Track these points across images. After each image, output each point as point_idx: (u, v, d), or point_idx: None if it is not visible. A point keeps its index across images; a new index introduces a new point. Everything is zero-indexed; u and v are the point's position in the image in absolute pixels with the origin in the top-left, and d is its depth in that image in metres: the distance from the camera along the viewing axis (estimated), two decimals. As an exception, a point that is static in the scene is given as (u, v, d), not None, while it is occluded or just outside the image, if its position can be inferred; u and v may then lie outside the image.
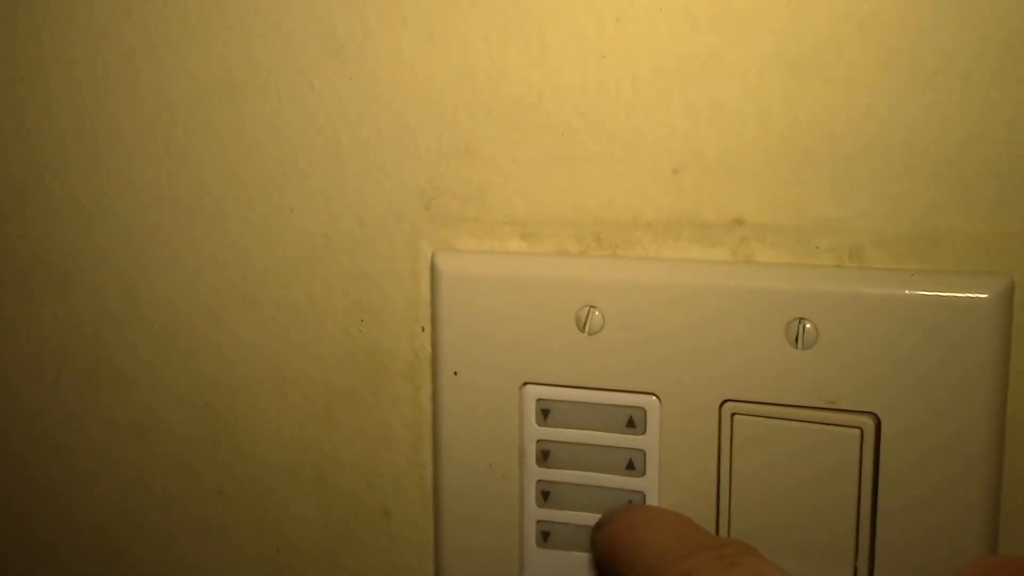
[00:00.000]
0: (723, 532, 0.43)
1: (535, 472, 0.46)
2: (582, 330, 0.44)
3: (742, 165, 0.43)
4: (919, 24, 0.39)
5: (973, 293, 0.39)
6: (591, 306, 0.44)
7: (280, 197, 0.50)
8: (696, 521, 0.43)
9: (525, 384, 0.45)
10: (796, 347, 0.41)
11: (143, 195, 0.52)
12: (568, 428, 0.45)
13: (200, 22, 0.49)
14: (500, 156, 0.46)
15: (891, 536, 0.41)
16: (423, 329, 0.48)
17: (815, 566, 0.42)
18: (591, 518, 0.45)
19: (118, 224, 0.53)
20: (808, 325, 0.41)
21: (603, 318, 0.44)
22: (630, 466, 0.44)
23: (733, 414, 0.43)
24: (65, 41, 0.52)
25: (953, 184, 0.40)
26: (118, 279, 0.53)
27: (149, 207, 0.52)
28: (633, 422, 0.44)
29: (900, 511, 0.41)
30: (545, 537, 0.46)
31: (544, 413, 0.45)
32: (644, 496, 0.44)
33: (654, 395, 0.44)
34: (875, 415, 0.41)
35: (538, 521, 0.46)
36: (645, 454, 0.44)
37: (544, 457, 0.46)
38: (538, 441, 0.46)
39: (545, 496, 0.46)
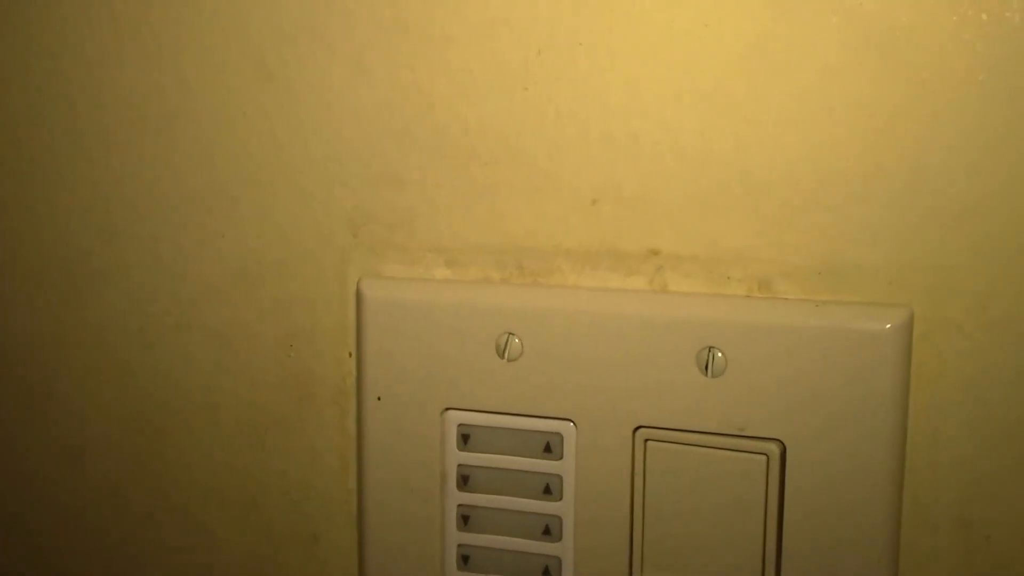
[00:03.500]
0: (636, 554, 0.44)
1: (455, 496, 0.46)
2: (502, 356, 0.45)
3: (658, 196, 0.44)
4: (826, 61, 0.41)
5: (874, 324, 0.40)
6: (510, 333, 0.45)
7: (211, 222, 0.50)
8: (610, 544, 0.44)
9: (447, 409, 0.46)
10: (707, 375, 0.42)
11: (75, 219, 0.52)
12: (488, 453, 0.46)
13: (135, 49, 0.50)
14: (427, 184, 0.47)
15: (795, 558, 0.42)
16: (350, 355, 0.49)
17: (724, 590, 0.43)
18: (509, 542, 0.46)
19: (50, 247, 0.53)
20: (719, 354, 0.42)
21: (522, 345, 0.45)
22: (547, 491, 0.45)
23: (646, 440, 0.44)
24: None
25: (859, 217, 0.41)
26: (49, 302, 0.54)
27: (81, 232, 0.52)
28: (550, 447, 0.45)
29: (804, 534, 0.42)
30: (465, 560, 0.47)
31: (464, 438, 0.46)
32: (561, 520, 0.45)
33: (571, 421, 0.44)
34: (781, 442, 0.42)
35: (459, 545, 0.47)
36: (562, 479, 0.45)
37: (464, 481, 0.46)
38: (459, 466, 0.46)
39: (465, 520, 0.47)
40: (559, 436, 0.45)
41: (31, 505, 0.56)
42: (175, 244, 0.51)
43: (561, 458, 0.45)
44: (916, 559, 0.42)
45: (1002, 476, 0.41)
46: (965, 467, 0.41)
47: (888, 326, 0.40)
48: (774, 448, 0.42)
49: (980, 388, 0.41)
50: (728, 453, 0.42)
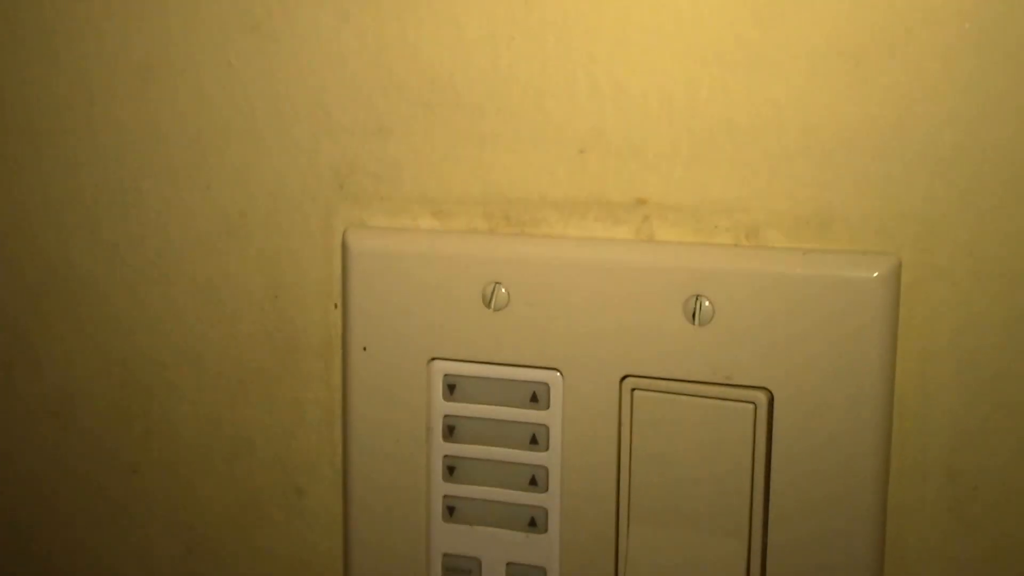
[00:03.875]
0: (623, 504, 0.44)
1: (441, 447, 0.46)
2: (488, 306, 0.45)
3: (645, 146, 0.43)
4: (812, 9, 0.41)
5: (862, 272, 0.40)
6: (497, 283, 0.44)
7: (197, 174, 0.50)
8: (597, 494, 0.44)
9: (432, 360, 0.46)
10: (694, 324, 0.42)
11: (61, 173, 0.52)
12: (473, 403, 0.46)
13: (120, 1, 0.49)
14: (413, 135, 0.46)
15: (783, 507, 0.42)
16: (336, 306, 0.49)
17: (712, 537, 0.43)
18: (495, 493, 0.46)
19: (35, 200, 0.53)
20: (706, 303, 0.42)
21: (508, 295, 0.44)
22: (533, 441, 0.45)
23: (633, 389, 0.43)
24: (-15, 16, 0.52)
25: (846, 166, 0.41)
26: (35, 255, 0.53)
27: (67, 184, 0.52)
28: (536, 397, 0.45)
29: (791, 483, 0.42)
30: (451, 512, 0.47)
31: (450, 388, 0.46)
32: (547, 471, 0.45)
33: (557, 370, 0.44)
34: (768, 390, 0.42)
35: (444, 496, 0.47)
36: (548, 429, 0.45)
37: (450, 432, 0.46)
38: (444, 416, 0.46)
39: (451, 471, 0.46)
40: (545, 386, 0.44)
41: (14, 460, 0.56)
42: (160, 196, 0.51)
43: (547, 408, 0.45)
44: (904, 509, 0.42)
45: (990, 425, 0.41)
46: (953, 416, 0.41)
47: (875, 274, 0.40)
48: (761, 396, 0.42)
49: (968, 336, 0.41)
50: (715, 402, 0.42)
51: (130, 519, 0.54)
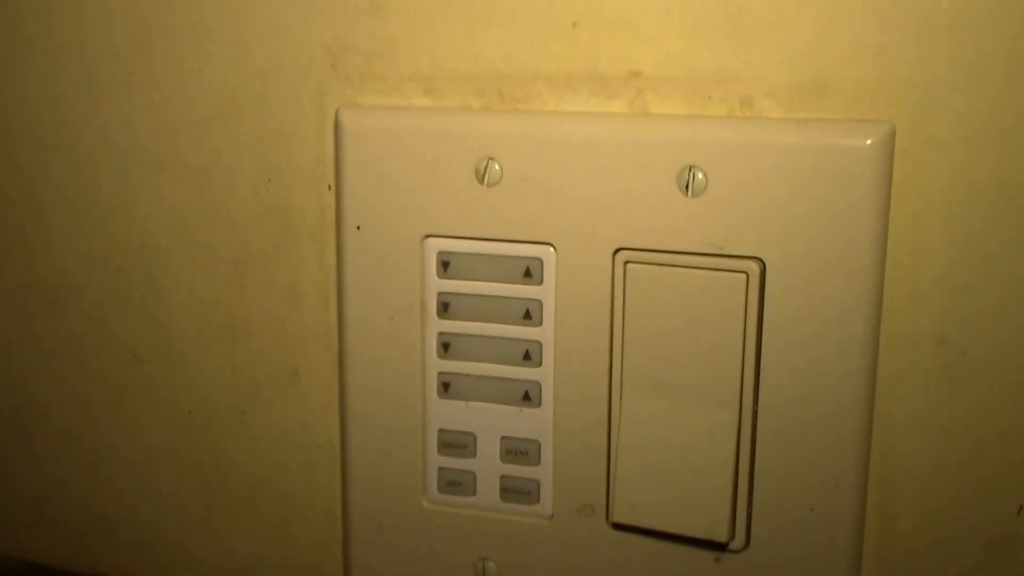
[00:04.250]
0: (616, 377, 0.44)
1: (436, 324, 0.47)
2: (481, 182, 0.45)
3: (638, 18, 0.43)
4: None
5: (855, 140, 0.40)
6: (490, 158, 0.44)
7: (186, 57, 0.50)
8: (590, 367, 0.44)
9: (426, 237, 0.46)
10: (687, 195, 0.42)
11: (49, 57, 0.51)
12: (467, 280, 0.46)
13: None
14: (405, 11, 0.46)
15: (774, 376, 0.42)
16: (329, 188, 0.49)
17: (703, 407, 0.43)
18: (489, 368, 0.46)
19: (24, 87, 0.52)
20: (699, 174, 0.42)
21: (501, 170, 0.44)
22: (527, 316, 0.45)
23: (626, 262, 0.44)
24: None
25: (840, 34, 0.41)
26: (26, 143, 0.53)
27: (56, 71, 0.52)
28: (530, 272, 0.45)
29: (783, 352, 0.42)
30: (446, 388, 0.47)
31: (444, 265, 0.46)
32: (541, 346, 0.45)
33: (550, 245, 0.44)
34: (761, 260, 0.42)
35: (439, 373, 0.47)
36: (541, 304, 0.45)
37: (444, 309, 0.46)
38: (439, 293, 0.46)
39: (445, 348, 0.47)
40: (539, 261, 0.45)
41: (13, 348, 0.56)
42: (151, 80, 0.50)
43: (541, 283, 0.45)
44: (894, 375, 0.42)
45: (979, 292, 0.41)
46: (944, 283, 0.41)
47: (868, 142, 0.40)
48: (754, 266, 0.42)
49: (960, 204, 0.41)
50: (708, 272, 0.43)
51: (129, 404, 0.55)
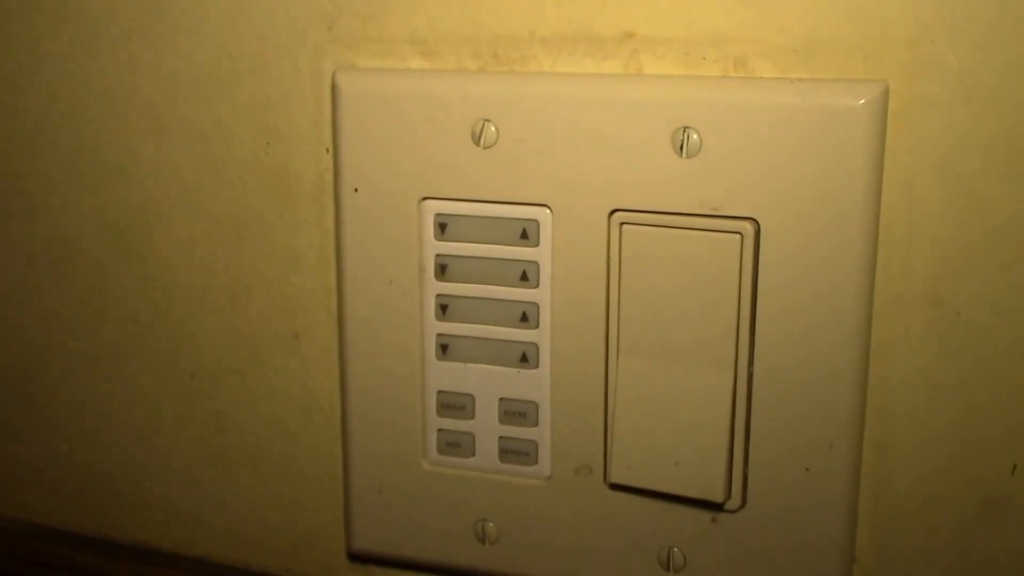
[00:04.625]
0: (612, 338, 0.45)
1: (434, 286, 0.47)
2: (478, 144, 0.45)
3: (634, -22, 0.43)
4: None
5: (848, 100, 0.40)
6: (486, 120, 0.44)
7: (185, 19, 0.50)
8: (587, 328, 0.44)
9: (424, 199, 0.46)
10: (681, 156, 0.42)
11: (49, 21, 0.52)
12: (465, 242, 0.46)
13: None
14: (400, -26, 0.46)
15: (769, 337, 0.43)
16: (327, 151, 0.49)
17: (699, 368, 0.44)
18: (487, 330, 0.47)
19: (27, 51, 0.53)
20: (693, 135, 0.42)
21: (497, 132, 0.44)
22: (524, 277, 0.46)
23: (622, 223, 0.44)
24: None
25: (835, -7, 0.41)
26: (28, 106, 0.53)
27: (57, 34, 0.52)
28: (526, 234, 0.45)
29: (777, 313, 0.42)
30: (444, 350, 0.47)
31: (442, 227, 0.46)
32: (538, 307, 0.46)
33: (546, 207, 0.45)
34: (755, 221, 0.42)
35: (437, 335, 0.47)
36: (538, 265, 0.45)
37: (442, 271, 0.47)
38: (436, 255, 0.47)
39: (443, 310, 0.47)
40: (535, 222, 0.45)
41: (15, 312, 0.57)
42: (149, 44, 0.51)
43: (537, 244, 0.45)
44: (888, 336, 0.43)
45: (973, 252, 0.41)
46: (937, 244, 0.41)
47: (862, 101, 0.40)
48: (748, 227, 0.42)
49: (954, 164, 0.41)
50: (703, 233, 0.43)
51: (131, 366, 0.55)
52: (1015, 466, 0.42)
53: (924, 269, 0.42)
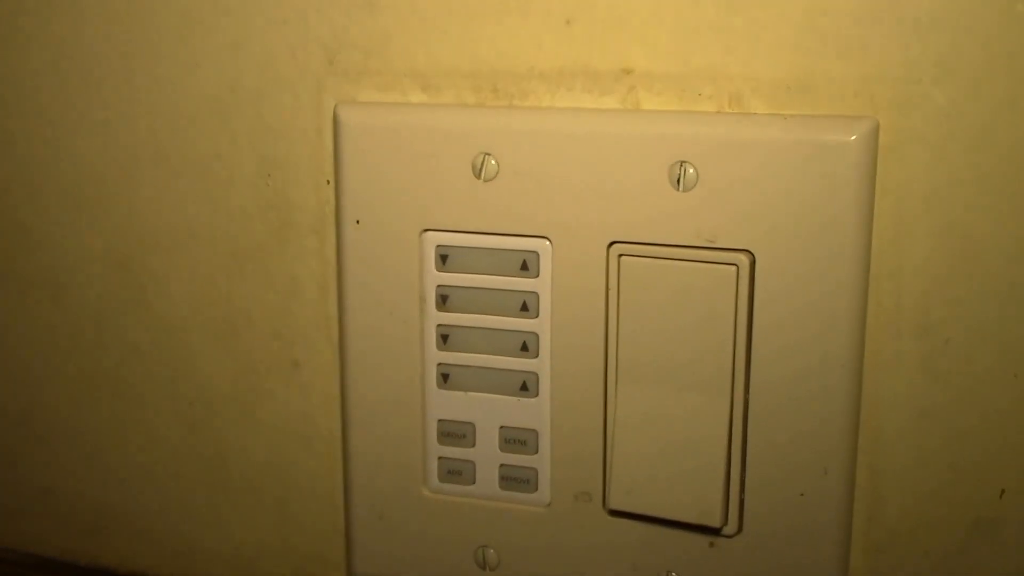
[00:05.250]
0: (611, 367, 0.46)
1: (435, 316, 0.48)
2: (478, 177, 0.46)
3: (630, 15, 0.44)
4: None
5: (840, 136, 0.41)
6: (486, 154, 0.45)
7: (186, 52, 0.50)
8: (586, 357, 0.45)
9: (425, 231, 0.47)
10: (678, 189, 0.43)
11: (49, 50, 0.52)
12: (465, 273, 0.47)
13: None
14: (400, 8, 0.47)
15: (764, 365, 0.44)
16: (328, 182, 0.50)
17: (697, 396, 0.45)
18: (488, 360, 0.47)
19: (25, 81, 0.53)
20: (690, 169, 0.43)
21: (498, 165, 0.45)
22: (524, 308, 0.46)
23: (620, 255, 0.45)
24: None
25: (826, 31, 0.42)
26: (27, 137, 0.54)
27: (56, 63, 0.52)
28: (527, 265, 0.46)
29: (772, 342, 0.43)
30: (445, 379, 0.48)
31: (443, 258, 0.47)
32: (538, 337, 0.46)
33: (546, 238, 0.46)
34: (750, 252, 0.43)
35: (438, 364, 0.48)
36: (538, 296, 0.46)
37: (443, 301, 0.47)
38: (437, 286, 0.47)
39: (444, 339, 0.48)
40: (535, 254, 0.46)
41: (14, 342, 0.57)
42: (151, 75, 0.51)
43: (537, 275, 0.46)
44: (879, 364, 0.44)
45: (961, 282, 0.42)
46: (926, 274, 0.43)
47: (853, 137, 0.41)
48: (743, 258, 0.43)
49: (943, 198, 0.42)
50: (699, 265, 0.44)
51: (132, 396, 0.56)
52: (1003, 490, 0.44)
53: (914, 298, 0.43)
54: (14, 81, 0.53)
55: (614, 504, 0.46)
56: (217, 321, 0.53)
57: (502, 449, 0.48)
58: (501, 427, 0.48)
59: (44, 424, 0.58)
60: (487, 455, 0.48)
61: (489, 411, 0.48)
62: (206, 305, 0.53)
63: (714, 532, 0.45)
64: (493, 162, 0.45)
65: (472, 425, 0.48)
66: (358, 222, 0.48)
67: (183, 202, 0.52)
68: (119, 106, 0.52)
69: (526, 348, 0.47)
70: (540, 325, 0.46)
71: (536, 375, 0.47)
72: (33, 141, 0.54)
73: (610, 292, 0.45)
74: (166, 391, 0.55)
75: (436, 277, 0.47)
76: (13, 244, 0.56)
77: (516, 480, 0.48)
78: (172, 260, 0.53)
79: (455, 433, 0.48)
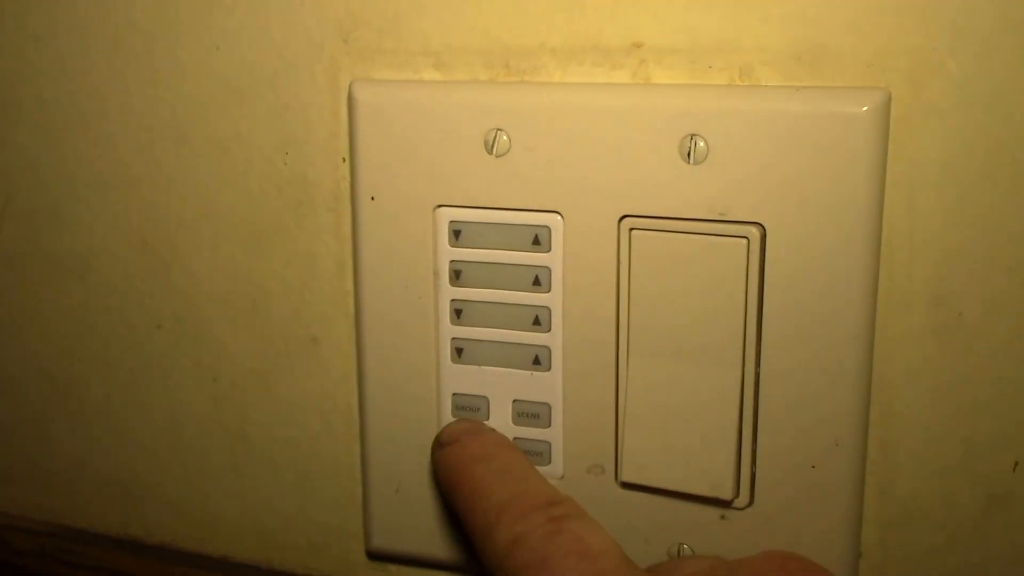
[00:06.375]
0: (623, 340, 0.46)
1: (448, 292, 0.48)
2: (490, 153, 0.46)
3: (641, -11, 0.44)
4: None
5: (852, 107, 0.41)
6: (498, 129, 0.46)
7: (206, 33, 0.51)
8: (598, 331, 0.45)
9: (438, 207, 0.47)
10: (689, 162, 0.43)
11: (73, 35, 0.53)
12: (478, 248, 0.47)
13: None
14: (414, -13, 0.47)
15: (775, 338, 0.44)
16: (344, 160, 0.50)
17: (708, 368, 0.45)
18: (501, 334, 0.48)
19: (50, 65, 0.54)
20: (700, 142, 0.43)
21: (510, 141, 0.46)
22: (536, 282, 0.47)
23: (631, 229, 0.45)
24: None
25: (836, 2, 0.42)
26: (54, 121, 0.55)
27: (80, 47, 0.53)
28: (538, 240, 0.46)
29: (783, 314, 0.43)
30: (459, 353, 0.49)
31: (456, 234, 0.47)
32: (550, 311, 0.47)
33: (558, 213, 0.46)
34: (761, 225, 0.43)
35: (452, 338, 0.49)
36: (550, 270, 0.46)
37: (456, 277, 0.48)
38: (451, 261, 0.48)
39: (458, 314, 0.48)
40: (547, 228, 0.46)
41: (46, 320, 0.58)
42: (173, 59, 0.52)
43: (549, 250, 0.46)
44: (891, 337, 0.44)
45: (974, 253, 0.42)
46: (939, 246, 0.42)
47: (865, 108, 0.41)
48: (754, 231, 0.43)
49: (955, 169, 0.42)
50: (710, 238, 0.44)
51: (157, 371, 0.57)
52: (1017, 463, 0.43)
53: (926, 271, 0.43)
54: (39, 64, 0.54)
55: (626, 477, 0.46)
56: (238, 298, 0.54)
57: (515, 423, 0.48)
58: (514, 401, 0.48)
59: (70, 399, 0.59)
60: (501, 428, 0.48)
61: (502, 385, 0.48)
62: (228, 282, 0.54)
63: (725, 504, 0.46)
64: (505, 138, 0.46)
65: (486, 399, 0.49)
66: (373, 199, 0.48)
67: (203, 182, 0.53)
68: (140, 88, 0.53)
69: (539, 322, 0.47)
70: (552, 299, 0.47)
71: (548, 349, 0.47)
72: (57, 125, 0.55)
73: (621, 266, 0.45)
74: (189, 366, 0.56)
75: (450, 252, 0.48)
76: (41, 224, 0.57)
77: (530, 453, 0.48)
78: (194, 239, 0.54)
79: (469, 407, 0.49)
